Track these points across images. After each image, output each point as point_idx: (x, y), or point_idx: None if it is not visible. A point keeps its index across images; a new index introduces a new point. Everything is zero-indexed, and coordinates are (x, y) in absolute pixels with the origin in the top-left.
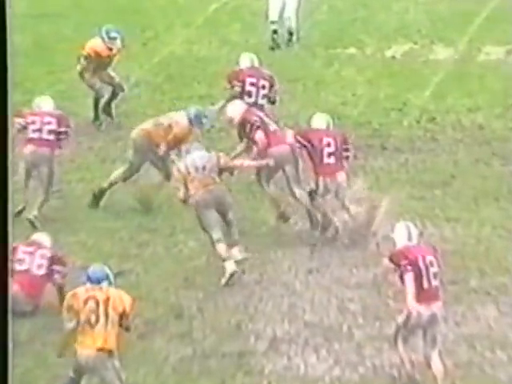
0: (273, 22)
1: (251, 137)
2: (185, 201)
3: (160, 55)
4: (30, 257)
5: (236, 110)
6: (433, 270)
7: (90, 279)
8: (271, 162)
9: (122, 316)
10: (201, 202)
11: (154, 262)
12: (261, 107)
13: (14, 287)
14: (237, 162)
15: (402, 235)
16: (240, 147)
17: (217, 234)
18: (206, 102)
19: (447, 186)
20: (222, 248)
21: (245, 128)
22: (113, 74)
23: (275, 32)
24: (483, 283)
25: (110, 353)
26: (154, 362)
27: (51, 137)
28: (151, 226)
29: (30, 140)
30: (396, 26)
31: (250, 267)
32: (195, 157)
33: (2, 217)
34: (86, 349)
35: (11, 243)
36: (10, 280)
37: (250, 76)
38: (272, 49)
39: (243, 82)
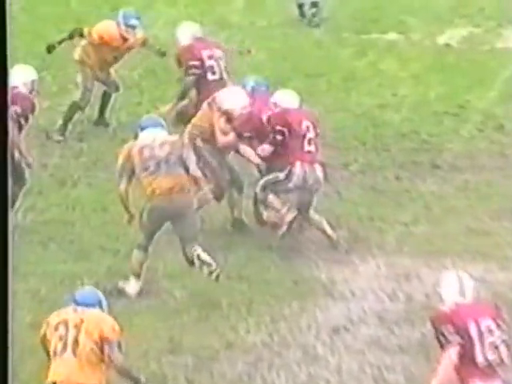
0: None
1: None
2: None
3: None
4: None
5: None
6: (490, 339)
7: (77, 304)
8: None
9: (102, 344)
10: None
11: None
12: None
13: None
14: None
15: (451, 289)
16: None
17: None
18: None
19: None
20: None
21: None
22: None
23: (300, 7)
24: None
25: None
26: None
27: None
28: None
29: None
30: (451, 4)
31: (255, 324)
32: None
33: (2, 218)
34: None
35: (11, 243)
36: (9, 279)
37: (202, 48)
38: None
39: (200, 58)
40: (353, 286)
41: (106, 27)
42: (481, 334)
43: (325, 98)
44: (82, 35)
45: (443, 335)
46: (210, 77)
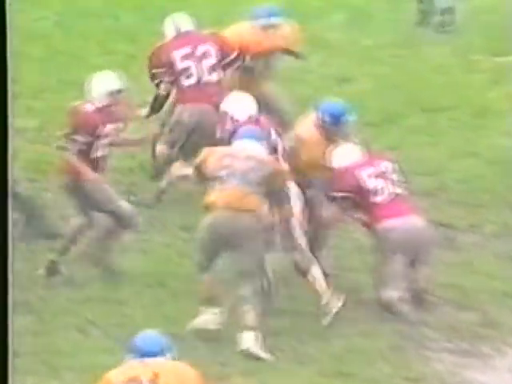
0: None
1: None
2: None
3: None
4: None
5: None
6: None
7: (138, 353)
8: None
9: None
10: None
11: None
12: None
13: None
14: None
15: None
16: None
17: None
18: None
19: None
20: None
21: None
22: None
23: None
24: None
25: None
26: None
27: None
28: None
29: None
30: None
31: None
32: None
33: (1, 216)
34: None
35: (11, 243)
36: (9, 279)
37: (177, 47)
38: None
39: (169, 61)
40: None
41: None
42: None
43: (448, 139)
44: None
45: None
46: (184, 82)
